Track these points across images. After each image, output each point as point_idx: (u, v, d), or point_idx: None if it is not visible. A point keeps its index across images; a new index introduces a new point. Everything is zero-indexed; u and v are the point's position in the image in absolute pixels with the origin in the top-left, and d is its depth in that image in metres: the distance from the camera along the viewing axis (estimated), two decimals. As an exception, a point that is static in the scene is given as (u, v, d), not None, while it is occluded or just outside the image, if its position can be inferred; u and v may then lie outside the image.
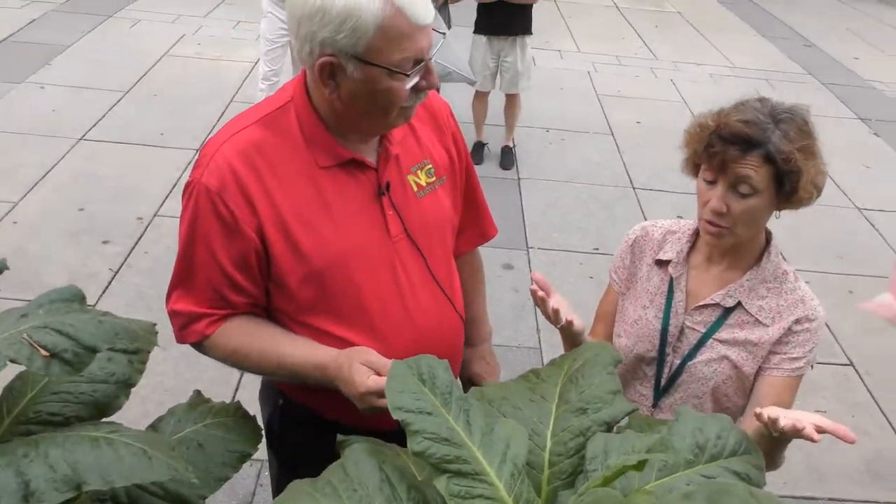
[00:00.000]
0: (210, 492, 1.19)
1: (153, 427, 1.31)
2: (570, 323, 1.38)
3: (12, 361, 0.94)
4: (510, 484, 0.90)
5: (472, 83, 4.87)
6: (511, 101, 5.12)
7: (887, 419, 3.33)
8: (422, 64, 1.22)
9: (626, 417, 1.03)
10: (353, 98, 1.24)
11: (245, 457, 1.26)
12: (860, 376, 3.57)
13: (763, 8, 10.24)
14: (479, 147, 5.24)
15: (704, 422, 0.92)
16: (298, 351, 1.34)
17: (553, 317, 1.37)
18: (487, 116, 5.24)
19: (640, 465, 0.78)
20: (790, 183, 1.34)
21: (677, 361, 1.51)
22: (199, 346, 1.39)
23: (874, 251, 4.60)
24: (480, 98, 5.12)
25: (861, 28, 9.67)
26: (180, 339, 1.39)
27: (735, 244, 1.46)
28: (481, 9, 4.79)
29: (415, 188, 1.41)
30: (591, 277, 4.04)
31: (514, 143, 5.31)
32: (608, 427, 0.99)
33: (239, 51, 6.69)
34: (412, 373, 0.99)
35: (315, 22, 1.16)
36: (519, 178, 5.06)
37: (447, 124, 1.50)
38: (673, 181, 5.05)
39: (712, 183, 1.40)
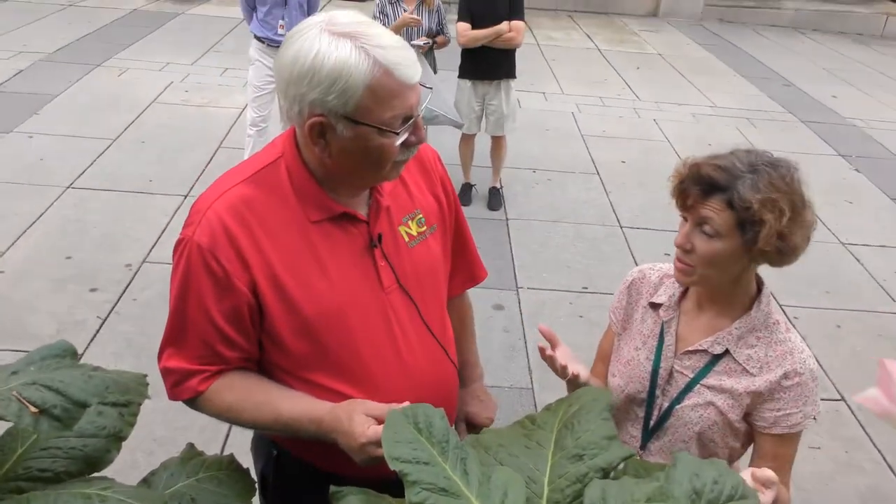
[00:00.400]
0: (203, 547, 1.17)
1: (146, 481, 1.28)
2: (576, 376, 1.40)
3: (1, 419, 0.93)
4: (508, 533, 0.89)
5: (458, 126, 4.94)
6: (497, 143, 5.18)
7: (881, 454, 3.32)
8: (411, 121, 1.23)
9: (623, 462, 1.02)
10: (343, 156, 1.24)
11: (237, 510, 1.24)
12: (852, 411, 3.58)
13: (742, 49, 10.47)
14: (467, 188, 5.28)
15: (701, 467, 0.92)
16: (294, 405, 1.32)
17: (560, 372, 1.39)
18: (474, 158, 5.30)
19: None
20: (752, 232, 1.35)
21: (666, 404, 1.52)
22: (193, 402, 1.37)
23: (860, 285, 4.65)
24: (467, 140, 5.18)
25: (837, 68, 9.89)
26: (173, 397, 1.37)
27: (713, 288, 1.47)
28: (465, 54, 4.87)
29: (406, 238, 1.41)
30: (581, 316, 4.05)
31: (501, 184, 5.35)
32: (605, 473, 0.99)
33: (226, 97, 6.75)
34: (409, 422, 0.99)
35: (304, 84, 1.17)
36: (507, 219, 5.09)
37: (435, 171, 1.51)
38: (659, 219, 5.10)
39: (684, 220, 1.44)
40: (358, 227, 1.35)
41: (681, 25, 11.74)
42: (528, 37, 9.79)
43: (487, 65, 4.83)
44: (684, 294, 1.55)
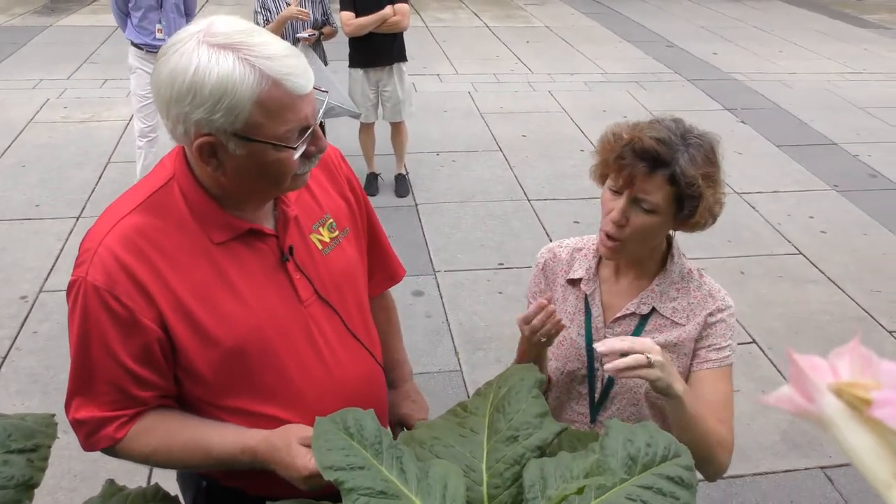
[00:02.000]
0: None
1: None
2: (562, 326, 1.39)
3: None
4: (453, 525, 0.88)
5: (356, 116, 4.88)
6: (397, 128, 5.14)
7: (793, 389, 3.51)
8: (308, 131, 1.16)
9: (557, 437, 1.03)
10: (239, 174, 1.17)
11: (172, 541, 1.18)
12: (763, 352, 3.75)
13: (625, 15, 10.78)
14: (373, 178, 5.23)
15: (633, 432, 0.93)
16: (223, 438, 1.25)
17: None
18: (376, 147, 5.25)
19: (580, 491, 0.78)
20: (689, 207, 1.37)
21: (607, 375, 1.53)
22: (111, 451, 1.28)
23: (758, 231, 4.88)
24: (366, 130, 5.12)
25: (715, 26, 10.32)
26: (88, 448, 1.27)
27: (630, 259, 1.50)
28: (353, 42, 4.80)
29: (319, 246, 1.35)
30: (501, 293, 4.09)
31: (406, 170, 5.32)
32: (541, 451, 0.99)
33: (109, 110, 6.44)
34: (338, 428, 0.96)
35: (186, 103, 1.08)
36: (416, 204, 5.08)
37: (340, 171, 1.45)
38: (565, 189, 5.20)
39: (617, 193, 1.41)
40: (267, 241, 1.28)
41: (564, -4, 11.96)
42: (417, 20, 9.78)
43: (377, 51, 4.78)
44: (599, 263, 1.57)
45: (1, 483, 1.13)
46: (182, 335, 1.20)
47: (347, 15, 4.61)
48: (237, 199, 1.23)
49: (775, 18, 11.07)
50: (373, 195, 5.11)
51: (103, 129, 6.05)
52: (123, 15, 4.69)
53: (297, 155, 1.15)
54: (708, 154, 1.37)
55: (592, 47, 8.91)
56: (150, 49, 4.62)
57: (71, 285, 1.20)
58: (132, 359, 1.19)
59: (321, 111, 1.20)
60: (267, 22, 4.55)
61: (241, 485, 1.37)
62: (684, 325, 1.48)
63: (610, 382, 1.53)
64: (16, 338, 3.63)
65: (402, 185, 5.19)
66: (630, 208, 1.38)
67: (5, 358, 3.49)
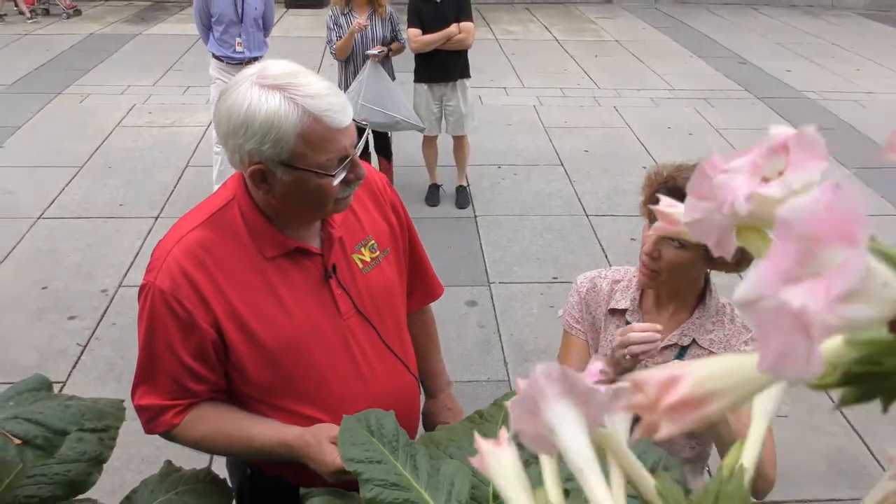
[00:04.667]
0: (185, 557, 1.26)
1: (128, 499, 1.37)
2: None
3: (-11, 453, 1.02)
4: (456, 518, 0.99)
5: (420, 129, 5.04)
6: (459, 142, 5.28)
7: (845, 417, 3.46)
8: (347, 160, 1.30)
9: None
10: (286, 198, 1.33)
11: (215, 521, 1.34)
12: (815, 377, 3.72)
13: (696, 29, 10.65)
14: (435, 189, 5.38)
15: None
16: (263, 432, 1.41)
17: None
18: (439, 159, 5.39)
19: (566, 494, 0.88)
20: None
21: None
22: (168, 435, 1.45)
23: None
24: (429, 143, 5.27)
25: (791, 42, 10.10)
26: (149, 431, 1.45)
27: (671, 288, 1.57)
28: (419, 58, 4.97)
29: (360, 265, 1.48)
30: (552, 306, 4.16)
31: (467, 182, 5.45)
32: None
33: (191, 116, 6.79)
34: (362, 426, 1.08)
35: (240, 136, 1.24)
36: (476, 216, 5.20)
37: (385, 196, 1.58)
38: (624, 206, 5.23)
39: (650, 225, 1.49)
40: (312, 259, 1.43)
41: (636, 10, 11.92)
42: (486, 32, 9.92)
43: (441, 67, 4.93)
44: (642, 295, 1.65)
45: (75, 457, 1.31)
46: (233, 337, 1.37)
47: (414, 32, 4.78)
48: (287, 219, 1.39)
49: (855, 35, 10.76)
50: (434, 206, 5.26)
51: (184, 134, 6.39)
52: (206, 29, 4.98)
53: (336, 182, 1.30)
54: None
55: (662, 62, 8.87)
56: (230, 61, 4.90)
57: (142, 288, 1.38)
58: (190, 356, 1.36)
59: (360, 143, 1.35)
60: (339, 38, 4.76)
61: (281, 473, 1.52)
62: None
63: None
64: (96, 328, 3.91)
65: (462, 197, 5.32)
66: (662, 243, 1.47)
67: (86, 347, 3.77)
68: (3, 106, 6.97)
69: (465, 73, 5.03)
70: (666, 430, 0.31)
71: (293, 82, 1.24)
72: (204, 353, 1.37)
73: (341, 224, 1.47)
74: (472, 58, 5.15)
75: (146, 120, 6.71)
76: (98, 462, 1.33)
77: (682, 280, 1.55)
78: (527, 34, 10.38)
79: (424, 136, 5.22)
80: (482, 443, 0.48)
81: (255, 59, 4.88)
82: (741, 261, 1.45)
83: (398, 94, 4.83)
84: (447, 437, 1.18)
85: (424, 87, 5.04)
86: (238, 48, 4.87)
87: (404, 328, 1.62)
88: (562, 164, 6.00)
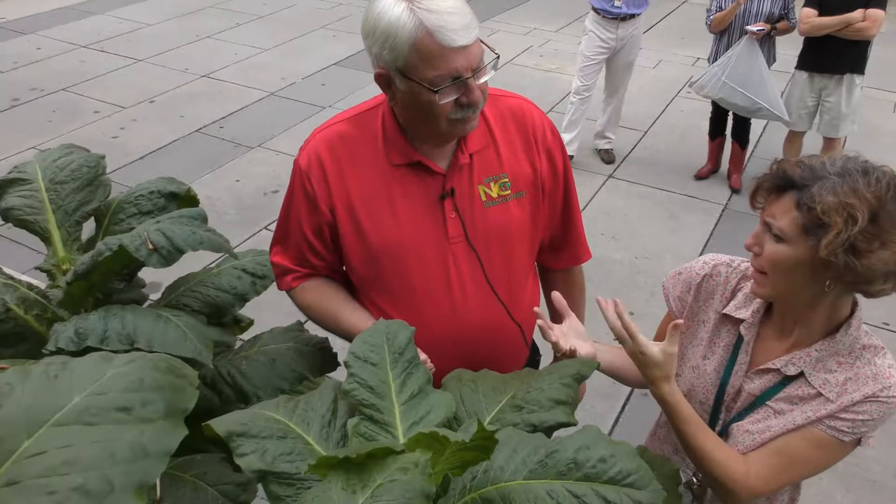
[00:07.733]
0: (267, 396, 1.45)
1: (255, 338, 1.62)
2: (572, 352, 1.34)
3: (125, 248, 1.31)
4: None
5: (785, 122, 4.55)
6: (829, 145, 4.63)
7: None
8: (459, 80, 1.30)
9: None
10: (404, 107, 1.38)
11: (302, 378, 1.51)
12: None
13: None
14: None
15: (596, 444, 0.89)
16: (350, 318, 1.53)
17: (553, 347, 1.36)
18: (802, 159, 4.80)
19: (490, 438, 0.81)
20: (814, 237, 1.16)
21: (728, 419, 1.39)
22: (289, 293, 1.63)
23: None
24: (793, 139, 4.72)
25: None
26: (279, 285, 1.64)
27: (795, 310, 1.31)
28: (807, 43, 4.42)
29: (483, 198, 1.48)
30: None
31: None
32: (534, 429, 1.01)
33: (574, 64, 6.96)
34: (383, 332, 1.13)
35: (370, 39, 1.32)
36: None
37: (541, 140, 1.53)
38: None
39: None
40: (434, 178, 1.47)
41: None
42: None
43: (831, 56, 4.32)
44: (767, 311, 1.39)
45: (227, 289, 1.58)
46: (344, 226, 1.49)
47: (808, 12, 4.25)
48: (414, 131, 1.45)
49: None
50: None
51: (561, 80, 6.63)
52: (592, -20, 5.03)
53: (443, 100, 1.31)
54: (858, 186, 1.14)
55: None
56: (607, 15, 4.91)
57: (293, 163, 1.55)
58: (311, 231, 1.52)
59: (490, 64, 1.32)
60: (719, 9, 4.46)
61: None
62: (831, 402, 1.26)
63: (724, 429, 1.39)
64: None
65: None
66: (762, 234, 1.27)
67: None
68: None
69: (856, 68, 4.36)
70: None
71: None
72: (321, 232, 1.52)
73: (478, 153, 1.48)
74: (879, 52, 4.41)
75: (535, 62, 7.10)
76: (242, 299, 1.60)
77: (799, 299, 1.28)
78: None
79: (790, 131, 4.69)
80: None
81: (632, 15, 4.83)
82: (859, 272, 1.13)
83: (768, 79, 4.39)
84: (473, 378, 1.17)
85: (805, 75, 4.49)
86: (617, 3, 4.84)
87: (519, 273, 1.58)
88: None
